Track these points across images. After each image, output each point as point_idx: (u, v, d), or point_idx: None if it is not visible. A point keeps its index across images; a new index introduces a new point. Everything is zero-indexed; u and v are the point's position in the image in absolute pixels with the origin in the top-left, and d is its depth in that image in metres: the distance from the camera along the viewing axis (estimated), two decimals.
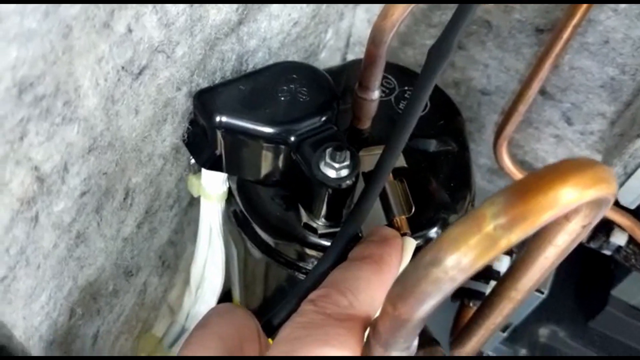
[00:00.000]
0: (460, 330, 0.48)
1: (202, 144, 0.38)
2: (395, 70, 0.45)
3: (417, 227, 0.38)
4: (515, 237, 0.21)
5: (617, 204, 0.56)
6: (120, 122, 0.29)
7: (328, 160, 0.33)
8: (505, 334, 0.71)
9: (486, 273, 0.51)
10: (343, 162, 0.33)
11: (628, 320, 0.85)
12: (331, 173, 0.33)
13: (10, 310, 0.25)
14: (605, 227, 0.58)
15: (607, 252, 0.58)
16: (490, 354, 0.85)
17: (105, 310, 0.36)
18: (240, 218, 0.42)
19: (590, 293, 0.87)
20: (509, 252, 0.56)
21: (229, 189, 0.42)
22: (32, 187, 0.24)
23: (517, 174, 0.57)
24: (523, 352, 0.87)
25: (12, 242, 0.23)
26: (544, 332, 0.88)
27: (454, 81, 0.55)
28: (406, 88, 0.45)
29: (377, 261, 0.28)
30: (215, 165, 0.38)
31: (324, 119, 0.35)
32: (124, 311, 0.40)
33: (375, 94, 0.37)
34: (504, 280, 0.38)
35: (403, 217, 0.38)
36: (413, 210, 0.38)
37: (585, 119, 0.51)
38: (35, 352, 0.29)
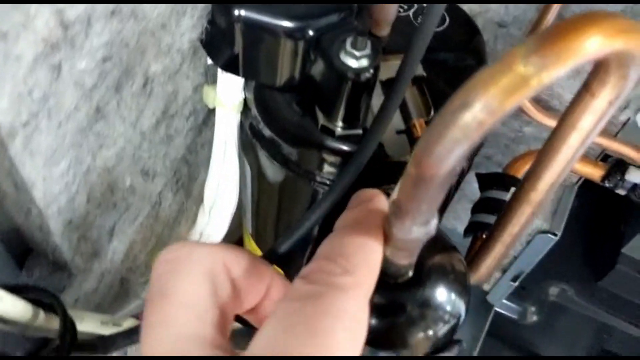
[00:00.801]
0: (476, 251, 0.48)
1: (219, 44, 0.37)
2: None
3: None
4: (546, 76, 0.21)
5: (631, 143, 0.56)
6: None
7: (349, 48, 0.33)
8: (516, 284, 0.71)
9: (508, 180, 0.51)
10: (364, 50, 0.33)
11: (638, 277, 0.84)
12: (352, 62, 0.33)
13: (31, 163, 0.25)
14: (620, 166, 0.57)
15: (622, 192, 0.57)
16: (499, 310, 0.85)
17: (122, 207, 0.36)
18: (256, 129, 0.42)
19: (600, 253, 0.87)
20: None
21: (245, 100, 0.42)
22: (56, 32, 0.23)
23: (532, 110, 0.57)
24: (532, 309, 0.86)
25: (35, 84, 0.23)
26: (553, 290, 0.88)
27: (470, 14, 0.55)
28: (424, 5, 0.45)
29: (364, 223, 0.25)
30: (231, 66, 0.37)
31: (342, 15, 0.35)
32: (138, 216, 0.40)
33: None
34: (524, 182, 0.37)
35: (422, 120, 0.38)
36: (432, 112, 0.38)
37: None
38: (53, 224, 0.29)
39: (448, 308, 0.35)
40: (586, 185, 0.80)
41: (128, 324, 0.35)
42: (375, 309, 0.34)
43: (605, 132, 0.56)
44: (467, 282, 0.37)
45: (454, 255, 0.38)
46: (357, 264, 0.22)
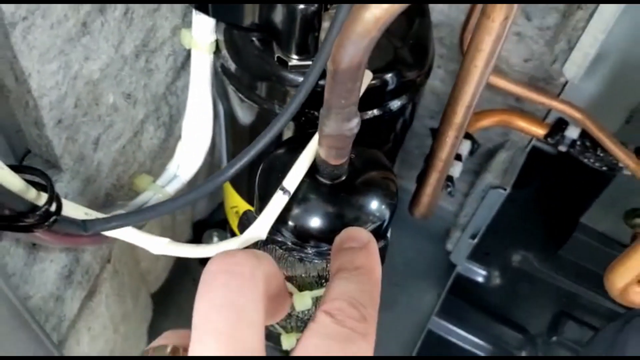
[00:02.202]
0: (417, 185, 0.54)
1: None
2: None
3: (374, 69, 0.45)
4: None
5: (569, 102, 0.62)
6: None
7: None
8: (475, 241, 0.77)
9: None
10: None
11: (595, 245, 0.90)
12: None
13: (28, 55, 0.32)
14: (561, 124, 0.64)
15: (564, 149, 0.64)
16: (461, 272, 0.90)
17: (106, 121, 0.43)
18: (225, 66, 0.48)
19: (561, 222, 0.93)
20: (469, 138, 0.62)
21: (217, 42, 0.48)
22: None
23: None
24: (496, 274, 0.92)
25: None
26: (516, 257, 0.94)
27: None
28: None
29: (369, 273, 0.29)
30: (202, 6, 0.44)
31: None
32: (121, 137, 0.46)
33: None
34: (447, 108, 0.44)
35: None
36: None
37: (542, 13, 0.57)
38: (45, 117, 0.36)
39: (373, 211, 0.41)
40: (551, 158, 0.86)
41: None
42: (310, 204, 0.40)
43: (548, 93, 0.62)
44: (395, 194, 0.43)
45: (386, 173, 0.45)
46: (371, 314, 0.26)
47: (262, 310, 0.24)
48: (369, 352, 0.25)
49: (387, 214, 0.42)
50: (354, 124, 0.36)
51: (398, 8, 0.29)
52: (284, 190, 0.39)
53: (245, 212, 0.45)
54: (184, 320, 0.86)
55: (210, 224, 0.85)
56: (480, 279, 0.93)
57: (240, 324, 0.23)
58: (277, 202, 0.39)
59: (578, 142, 0.63)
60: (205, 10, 0.44)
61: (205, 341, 0.23)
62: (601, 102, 0.84)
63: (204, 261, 0.38)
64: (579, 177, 0.84)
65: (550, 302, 0.92)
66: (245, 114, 0.51)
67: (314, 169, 0.40)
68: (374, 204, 0.42)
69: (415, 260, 0.91)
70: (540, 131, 0.64)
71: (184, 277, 0.82)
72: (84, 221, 0.39)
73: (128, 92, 0.44)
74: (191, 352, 0.23)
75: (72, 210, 0.39)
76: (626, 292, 0.39)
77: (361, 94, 0.43)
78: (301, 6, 0.40)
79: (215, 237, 0.82)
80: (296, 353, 0.24)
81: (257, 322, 0.24)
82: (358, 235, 0.32)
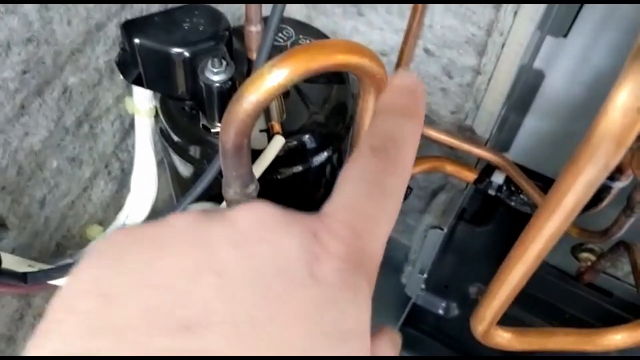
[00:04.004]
0: None
1: (128, 64, 0.50)
2: (293, 22, 0.58)
3: (289, 132, 0.50)
4: (283, 80, 0.33)
5: (492, 147, 0.68)
6: (54, 26, 0.42)
7: (209, 66, 0.46)
8: (425, 276, 0.81)
9: None
10: (220, 67, 0.45)
11: (547, 278, 0.95)
12: (212, 76, 0.46)
13: None
14: (488, 170, 0.69)
15: (492, 192, 0.69)
16: (421, 304, 0.95)
17: (51, 183, 0.49)
18: (164, 130, 0.54)
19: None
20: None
21: (156, 108, 0.55)
22: None
23: None
24: (454, 305, 0.97)
25: None
26: (473, 289, 0.98)
27: None
28: (301, 36, 0.58)
29: (417, 129, 0.23)
30: (138, 80, 0.50)
31: (213, 42, 0.48)
32: (68, 194, 0.52)
33: (258, 27, 0.50)
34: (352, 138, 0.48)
35: (276, 122, 0.50)
36: (284, 116, 0.51)
37: (460, 72, 0.63)
38: None
39: None
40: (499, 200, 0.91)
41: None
42: None
43: (474, 142, 0.67)
44: None
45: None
46: (408, 165, 0.21)
47: None
48: (398, 201, 0.21)
49: None
50: (251, 189, 0.42)
51: (264, 103, 0.35)
52: None
53: None
54: None
55: None
56: (440, 311, 0.97)
57: None
58: None
59: (504, 187, 0.68)
60: (141, 84, 0.51)
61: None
62: (555, 140, 0.90)
63: None
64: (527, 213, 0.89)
65: None
66: (184, 169, 0.57)
67: None
68: None
69: (375, 292, 0.95)
70: (471, 176, 0.69)
71: None
72: (24, 274, 0.45)
73: (72, 156, 0.50)
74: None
75: (16, 263, 0.45)
76: (489, 335, 0.44)
77: (273, 157, 0.49)
78: (217, 84, 0.46)
79: None
80: (339, 178, 0.20)
81: None
82: (402, 80, 0.25)
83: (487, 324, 0.40)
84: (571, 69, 0.79)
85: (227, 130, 0.36)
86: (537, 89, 0.82)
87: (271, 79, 0.34)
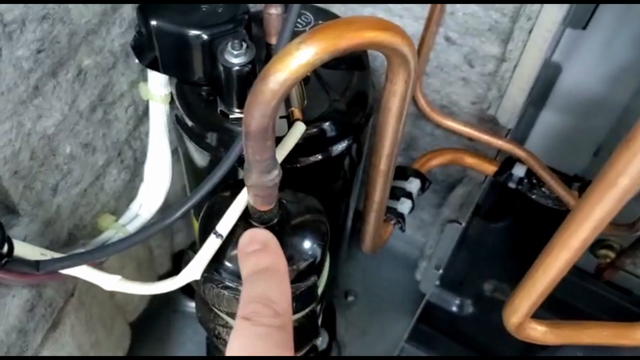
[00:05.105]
0: (360, 227, 0.58)
1: (144, 48, 0.49)
2: (311, 8, 0.56)
3: (309, 120, 0.49)
4: (312, 58, 0.32)
5: (513, 139, 0.66)
6: (70, 6, 0.40)
7: (229, 49, 0.44)
8: (440, 271, 0.80)
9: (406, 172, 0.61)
10: (240, 50, 0.44)
11: (564, 276, 0.92)
12: (232, 59, 0.44)
13: None
14: (509, 162, 0.67)
15: (513, 185, 0.67)
16: (435, 301, 0.93)
17: (64, 169, 0.47)
18: (179, 116, 0.53)
19: (531, 252, 0.96)
20: (419, 176, 0.66)
21: (172, 94, 0.53)
22: None
23: (435, 116, 0.67)
24: (469, 302, 0.95)
25: None
26: (488, 287, 0.96)
27: None
28: (320, 22, 0.56)
29: (275, 270, 0.35)
30: (153, 64, 0.49)
31: (232, 25, 0.46)
32: (81, 182, 0.50)
33: (278, 10, 0.48)
34: (371, 158, 0.48)
35: (297, 108, 0.49)
36: (305, 102, 0.49)
37: (482, 61, 0.61)
38: (1, 170, 0.40)
39: (305, 250, 0.45)
40: (516, 195, 0.90)
41: None
42: None
43: (495, 134, 0.65)
44: (325, 234, 0.46)
45: (318, 216, 0.49)
46: (284, 307, 0.32)
47: None
48: (289, 339, 0.30)
49: (317, 253, 0.45)
50: (274, 175, 0.40)
51: (292, 83, 0.33)
52: (217, 234, 0.43)
53: (187, 252, 0.49)
54: (164, 349, 0.89)
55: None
56: (454, 308, 0.95)
57: None
58: (210, 245, 0.42)
59: (525, 180, 0.66)
60: (156, 68, 0.49)
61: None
62: (570, 135, 0.88)
63: (183, 290, 0.43)
64: (545, 208, 0.87)
65: None
66: (199, 158, 0.55)
67: (247, 213, 0.44)
68: (305, 245, 0.45)
69: (389, 289, 0.94)
70: (490, 169, 0.68)
71: (163, 307, 0.86)
72: (37, 261, 0.43)
73: (85, 142, 0.49)
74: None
75: (28, 251, 0.44)
76: (522, 327, 0.42)
77: (294, 144, 0.47)
78: (236, 67, 0.44)
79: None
80: (226, 353, 0.29)
81: None
82: (257, 237, 0.38)
83: (521, 316, 0.39)
84: (589, 62, 0.77)
85: (251, 112, 0.34)
86: (553, 82, 0.80)
87: (299, 57, 0.32)
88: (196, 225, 0.67)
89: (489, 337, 0.94)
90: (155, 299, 0.84)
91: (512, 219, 0.99)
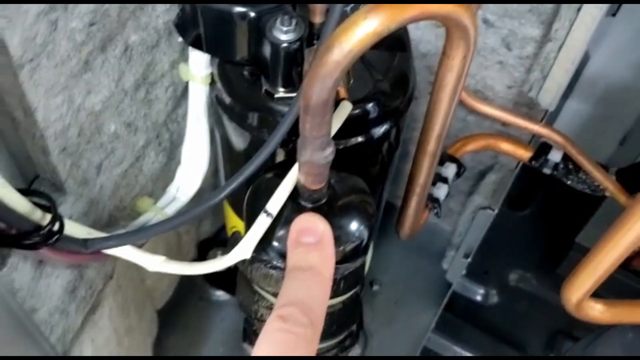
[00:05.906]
0: (400, 207, 0.57)
1: (188, 25, 0.48)
2: None
3: (354, 100, 0.48)
4: (376, 20, 0.31)
5: (549, 124, 0.65)
6: None
7: (278, 25, 0.43)
8: (469, 260, 0.79)
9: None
10: (289, 26, 0.43)
11: None
12: (280, 35, 0.43)
13: (34, 91, 0.36)
14: (545, 148, 0.66)
15: (548, 171, 0.66)
16: (460, 291, 0.93)
17: (108, 148, 0.47)
18: (220, 98, 0.52)
19: (558, 242, 0.95)
20: (455, 161, 0.65)
21: (212, 75, 0.52)
22: None
23: (471, 101, 0.66)
24: (494, 292, 0.94)
25: (37, 32, 0.34)
26: (514, 276, 0.96)
27: None
28: (361, 5, 0.55)
29: (320, 274, 0.35)
30: (197, 43, 0.48)
31: (278, 3, 0.46)
32: (122, 162, 0.50)
33: None
34: (421, 137, 0.47)
35: (343, 87, 0.48)
36: (352, 81, 0.48)
37: (521, 43, 0.61)
38: (51, 146, 0.40)
39: (352, 232, 0.44)
40: (547, 178, 0.89)
41: None
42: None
43: (531, 118, 0.65)
44: (372, 216, 0.46)
45: (364, 197, 0.48)
46: (319, 316, 0.31)
47: None
48: (314, 350, 0.30)
49: (365, 234, 0.45)
50: (328, 152, 0.39)
51: (356, 53, 0.32)
52: (267, 213, 0.42)
53: (234, 233, 0.49)
54: (190, 336, 0.89)
55: (215, 243, 0.88)
56: (478, 298, 0.95)
57: None
58: (261, 224, 0.42)
59: (561, 165, 0.65)
60: (199, 47, 0.49)
61: None
62: (596, 124, 0.87)
63: (208, 278, 0.42)
64: (573, 197, 0.86)
65: (548, 320, 0.93)
66: (239, 141, 0.54)
67: (296, 193, 0.43)
68: (352, 226, 0.45)
69: (415, 278, 0.93)
70: (525, 154, 0.67)
71: (189, 294, 0.86)
72: (84, 240, 0.43)
73: (129, 121, 0.48)
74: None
75: (75, 229, 0.43)
76: (581, 306, 0.41)
77: (340, 124, 0.46)
78: (284, 44, 0.43)
79: (220, 255, 0.86)
80: (253, 352, 0.29)
81: None
82: (315, 228, 0.36)
83: (582, 294, 0.38)
84: (618, 50, 0.76)
85: (312, 85, 0.34)
86: (581, 70, 0.79)
87: (366, 26, 0.31)
88: (228, 209, 0.66)
89: (513, 327, 0.93)
90: (182, 287, 0.84)
91: (537, 208, 0.98)
